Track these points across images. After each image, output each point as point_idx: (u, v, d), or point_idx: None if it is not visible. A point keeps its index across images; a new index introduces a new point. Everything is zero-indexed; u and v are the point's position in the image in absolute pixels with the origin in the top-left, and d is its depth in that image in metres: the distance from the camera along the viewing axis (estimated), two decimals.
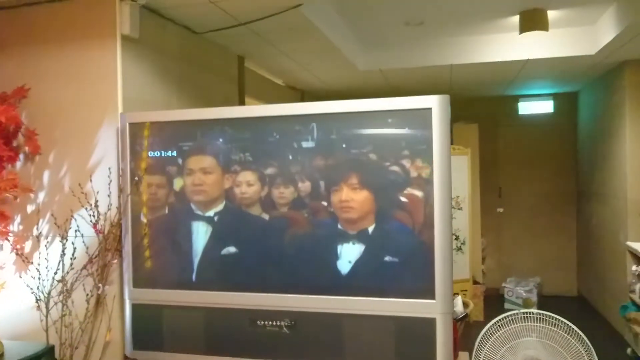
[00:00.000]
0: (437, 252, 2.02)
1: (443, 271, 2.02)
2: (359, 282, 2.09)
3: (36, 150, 2.57)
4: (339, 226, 2.10)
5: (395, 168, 2.03)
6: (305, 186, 2.15)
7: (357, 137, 2.12)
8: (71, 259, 2.39)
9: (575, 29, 4.23)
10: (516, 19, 3.85)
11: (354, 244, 2.07)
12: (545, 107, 6.47)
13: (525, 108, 6.51)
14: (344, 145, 2.11)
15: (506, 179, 6.72)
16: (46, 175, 2.61)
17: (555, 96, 6.45)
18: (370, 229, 2.06)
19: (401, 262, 2.05)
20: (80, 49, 2.55)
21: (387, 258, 2.05)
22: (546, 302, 6.01)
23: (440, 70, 4.81)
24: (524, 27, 3.78)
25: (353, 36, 4.28)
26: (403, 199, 2.04)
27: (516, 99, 6.55)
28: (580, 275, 6.39)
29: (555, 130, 6.56)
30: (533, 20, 3.76)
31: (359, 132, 2.12)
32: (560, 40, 4.27)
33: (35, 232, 2.54)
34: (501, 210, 6.69)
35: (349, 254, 2.09)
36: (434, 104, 2.03)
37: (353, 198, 2.07)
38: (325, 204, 2.12)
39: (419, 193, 2.03)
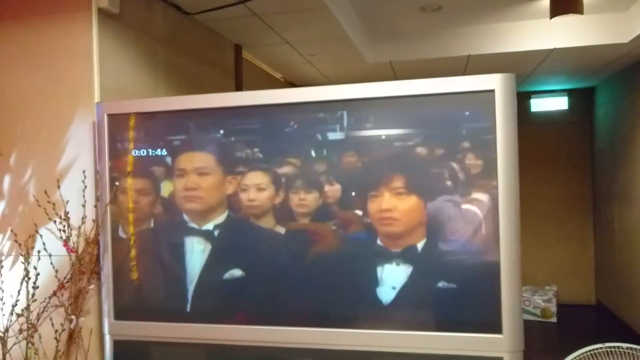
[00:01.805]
0: (503, 275, 1.58)
1: (511, 298, 1.59)
2: (405, 313, 1.64)
3: None
4: (379, 242, 1.65)
5: (452, 166, 1.59)
6: (333, 190, 1.69)
7: (400, 127, 1.67)
8: (33, 287, 1.89)
9: (606, 15, 3.84)
10: (545, 2, 3.45)
11: (398, 265, 1.62)
12: (559, 103, 6.08)
13: (538, 105, 6.12)
14: (383, 137, 1.66)
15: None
16: (6, 181, 2.13)
17: (569, 92, 6.07)
18: (420, 245, 1.61)
19: (459, 287, 1.61)
20: (47, 26, 2.08)
21: (441, 283, 1.60)
22: (564, 311, 5.60)
23: (455, 62, 4.40)
24: (556, 10, 3.36)
25: (361, 24, 3.84)
26: (462, 206, 1.60)
27: (528, 95, 6.16)
28: (599, 282, 6.00)
29: (569, 128, 6.18)
30: (566, 2, 3.35)
31: (403, 121, 1.67)
32: (590, 27, 3.87)
33: None
34: None
35: (392, 278, 1.63)
36: (498, 84, 1.60)
37: (397, 206, 1.62)
38: (359, 213, 1.67)
39: (481, 198, 1.59)
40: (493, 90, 1.59)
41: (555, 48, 3.98)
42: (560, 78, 5.51)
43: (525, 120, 6.42)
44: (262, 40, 3.54)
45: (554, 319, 5.44)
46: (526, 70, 4.90)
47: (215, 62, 3.25)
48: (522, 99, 6.17)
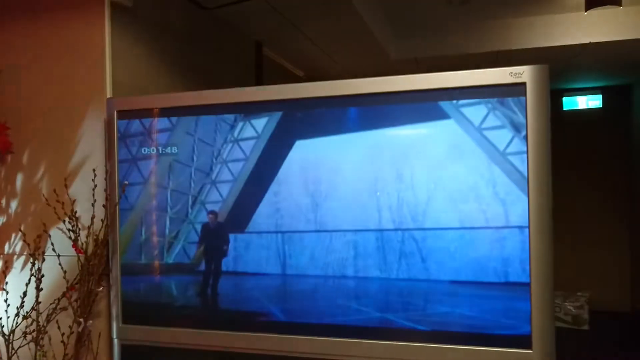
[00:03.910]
0: (534, 284, 1.45)
1: (543, 310, 1.46)
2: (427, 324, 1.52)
3: (6, 148, 2.06)
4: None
5: (479, 166, 1.46)
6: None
7: (419, 123, 1.55)
8: (36, 288, 1.84)
9: None
10: None
11: None
12: (593, 102, 5.83)
13: (571, 103, 5.88)
14: (400, 135, 1.54)
15: None
16: (19, 179, 2.09)
17: (604, 90, 5.81)
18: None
19: (485, 297, 1.48)
20: (59, 20, 2.03)
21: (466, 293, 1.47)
22: (597, 319, 5.36)
23: (483, 59, 4.23)
24: (592, 1, 3.18)
25: (385, 18, 3.72)
26: (489, 209, 1.47)
27: (559, 93, 5.92)
28: (636, 288, 5.72)
29: (604, 128, 5.91)
30: None
31: (422, 117, 1.56)
32: (628, 20, 3.67)
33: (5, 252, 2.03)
34: None
35: None
36: (529, 77, 1.47)
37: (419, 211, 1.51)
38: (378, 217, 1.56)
39: (506, 205, 1.46)
40: (524, 84, 1.46)
41: (590, 42, 3.78)
42: (594, 75, 5.28)
43: (556, 119, 6.18)
44: (283, 37, 3.46)
45: (586, 327, 5.21)
46: (558, 67, 4.69)
47: (235, 59, 3.19)
48: (554, 97, 5.90)
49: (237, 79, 3.19)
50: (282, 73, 4.30)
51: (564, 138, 6.02)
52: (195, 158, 1.77)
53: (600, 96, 5.82)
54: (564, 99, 5.90)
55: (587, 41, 3.76)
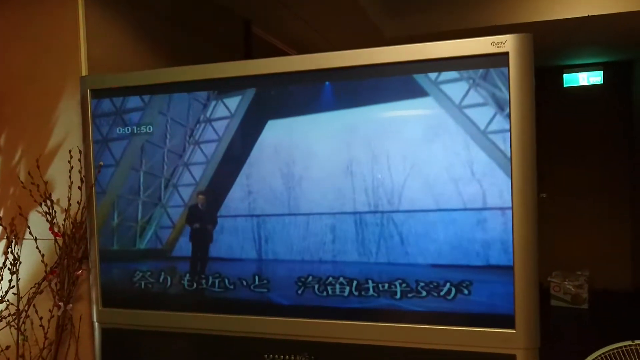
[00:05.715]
0: (517, 263, 1.41)
1: (526, 289, 1.42)
2: (406, 305, 1.48)
3: None
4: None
5: (458, 144, 1.40)
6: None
7: (397, 100, 1.49)
8: (10, 271, 1.82)
9: None
10: None
11: None
12: (594, 78, 5.72)
13: (572, 80, 5.77)
14: (377, 112, 1.48)
15: (549, 160, 5.97)
16: None
17: (605, 65, 5.69)
18: None
19: (467, 276, 1.44)
20: None
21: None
22: (597, 298, 5.32)
23: (480, 35, 4.12)
24: None
25: None
26: (470, 186, 1.42)
27: (559, 70, 5.81)
28: (636, 267, 5.67)
29: (604, 104, 5.81)
30: None
31: (400, 93, 1.50)
32: None
33: None
34: (544, 195, 5.97)
35: None
36: (512, 46, 1.40)
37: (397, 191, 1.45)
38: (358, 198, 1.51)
39: (492, 176, 1.41)
40: (507, 53, 1.40)
41: (589, 15, 3.67)
42: (595, 51, 5.17)
43: (556, 96, 6.09)
44: (273, 15, 3.38)
45: (585, 306, 5.17)
46: (559, 42, 4.59)
47: (222, 38, 3.11)
48: (553, 73, 5.81)
49: (224, 59, 3.11)
50: (274, 53, 4.21)
51: (565, 115, 5.93)
52: (168, 138, 1.72)
53: (601, 72, 5.70)
54: (565, 75, 5.79)
55: (587, 14, 3.66)
